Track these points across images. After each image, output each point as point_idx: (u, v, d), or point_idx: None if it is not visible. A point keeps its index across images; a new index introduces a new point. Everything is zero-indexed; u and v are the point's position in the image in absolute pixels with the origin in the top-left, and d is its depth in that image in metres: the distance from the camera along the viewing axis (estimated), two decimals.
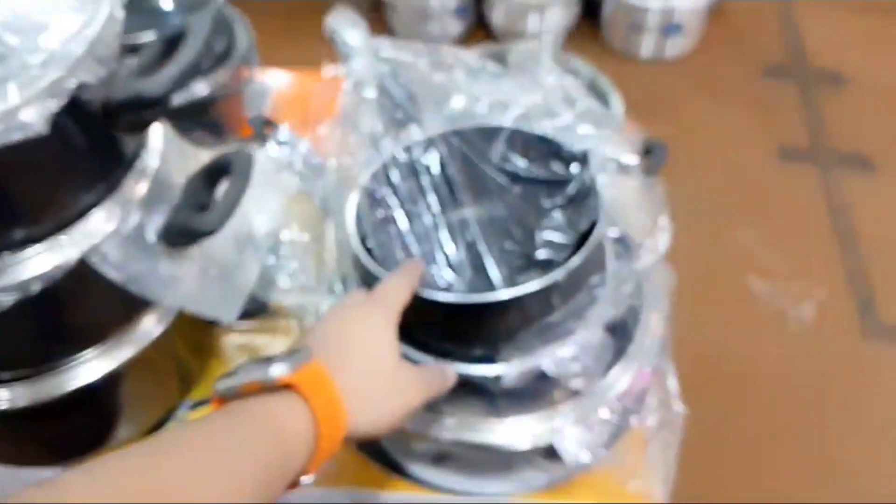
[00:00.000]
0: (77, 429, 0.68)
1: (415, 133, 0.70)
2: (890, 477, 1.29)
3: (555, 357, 0.61)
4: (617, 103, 1.01)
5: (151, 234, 0.52)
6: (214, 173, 0.56)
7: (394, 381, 0.52)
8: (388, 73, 0.69)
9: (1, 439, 0.67)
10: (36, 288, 0.49)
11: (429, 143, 0.69)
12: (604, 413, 0.63)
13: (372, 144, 0.70)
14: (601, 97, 1.02)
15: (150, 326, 0.63)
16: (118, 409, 0.69)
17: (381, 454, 0.71)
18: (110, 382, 0.63)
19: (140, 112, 0.46)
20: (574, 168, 0.67)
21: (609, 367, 0.64)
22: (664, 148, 0.90)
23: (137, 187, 0.54)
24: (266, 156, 0.70)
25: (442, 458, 0.71)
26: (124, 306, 0.60)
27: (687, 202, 1.65)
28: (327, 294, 0.65)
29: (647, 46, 2.07)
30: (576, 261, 0.59)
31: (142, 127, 0.51)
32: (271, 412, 0.46)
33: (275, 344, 0.77)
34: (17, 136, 0.42)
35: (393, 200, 0.68)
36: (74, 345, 0.60)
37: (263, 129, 0.86)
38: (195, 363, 0.73)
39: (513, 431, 0.64)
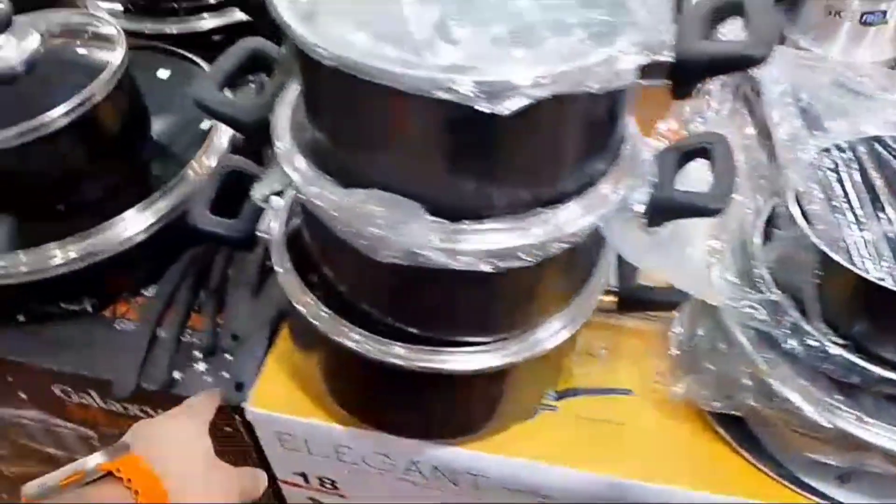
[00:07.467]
0: None
1: None
2: None
3: None
4: None
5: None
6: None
7: (209, 475, 0.54)
8: None
9: None
10: None
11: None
12: None
13: None
14: None
15: None
16: None
17: (773, 463, 0.67)
18: None
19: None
20: None
21: None
22: None
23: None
24: None
25: (847, 476, 0.66)
26: None
27: None
28: None
29: None
30: None
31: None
32: (91, 497, 0.46)
33: None
34: (615, 84, 0.43)
35: None
36: None
37: None
38: None
39: None
